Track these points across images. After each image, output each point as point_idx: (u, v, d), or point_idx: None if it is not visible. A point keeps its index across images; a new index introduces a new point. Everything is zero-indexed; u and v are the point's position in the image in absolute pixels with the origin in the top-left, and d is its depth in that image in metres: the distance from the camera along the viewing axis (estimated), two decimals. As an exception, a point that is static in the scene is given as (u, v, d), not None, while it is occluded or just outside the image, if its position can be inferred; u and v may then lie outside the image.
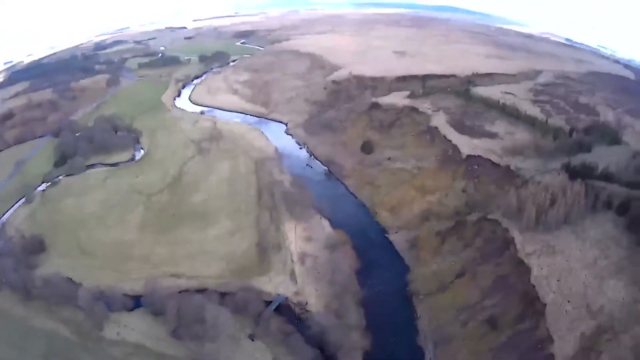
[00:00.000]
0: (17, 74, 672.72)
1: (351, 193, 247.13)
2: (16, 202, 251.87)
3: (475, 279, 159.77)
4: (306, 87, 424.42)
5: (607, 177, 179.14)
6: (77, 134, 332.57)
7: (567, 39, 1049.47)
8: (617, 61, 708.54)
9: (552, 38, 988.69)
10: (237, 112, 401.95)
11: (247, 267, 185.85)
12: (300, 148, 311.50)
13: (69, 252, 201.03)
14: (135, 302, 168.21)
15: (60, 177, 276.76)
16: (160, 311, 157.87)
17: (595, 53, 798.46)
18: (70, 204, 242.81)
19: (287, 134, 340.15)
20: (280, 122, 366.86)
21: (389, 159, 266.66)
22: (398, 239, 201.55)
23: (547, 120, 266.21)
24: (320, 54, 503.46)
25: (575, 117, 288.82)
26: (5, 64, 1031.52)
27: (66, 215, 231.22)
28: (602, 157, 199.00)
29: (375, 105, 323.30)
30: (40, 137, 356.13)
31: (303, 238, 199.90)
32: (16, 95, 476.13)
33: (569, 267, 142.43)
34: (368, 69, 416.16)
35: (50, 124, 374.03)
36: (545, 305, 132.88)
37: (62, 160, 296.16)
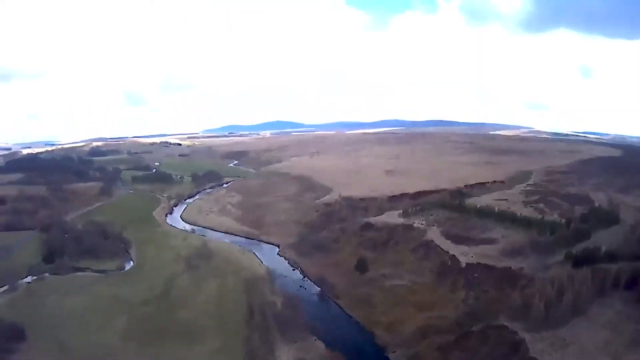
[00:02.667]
0: (14, 164, 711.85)
1: (346, 313, 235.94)
2: None
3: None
4: (297, 209, 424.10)
5: (611, 257, 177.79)
6: (66, 234, 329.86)
7: (553, 133, 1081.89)
8: (604, 143, 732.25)
9: (540, 135, 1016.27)
10: (228, 233, 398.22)
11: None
12: (293, 269, 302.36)
13: (48, 347, 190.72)
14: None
15: (47, 274, 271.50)
16: None
17: (582, 141, 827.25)
18: (54, 301, 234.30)
19: (279, 255, 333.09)
20: (272, 243, 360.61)
21: (384, 276, 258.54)
22: (397, 357, 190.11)
23: (542, 218, 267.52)
24: (310, 176, 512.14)
25: (569, 209, 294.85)
26: (3, 149, 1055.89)
27: (49, 312, 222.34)
28: (603, 239, 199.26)
29: (368, 225, 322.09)
30: (28, 229, 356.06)
31: (296, 359, 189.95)
32: (10, 183, 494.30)
33: (584, 353, 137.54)
34: (358, 190, 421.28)
35: (41, 219, 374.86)
36: None
37: (49, 256, 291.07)
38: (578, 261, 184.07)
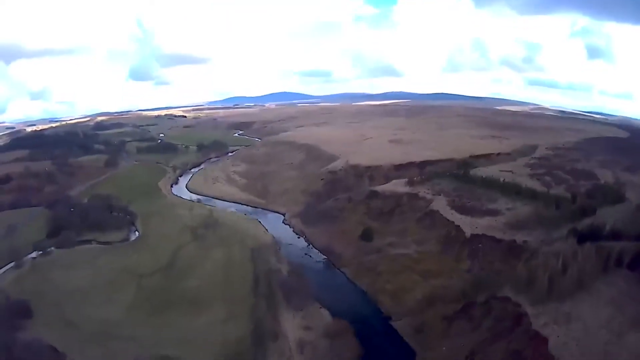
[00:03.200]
0: (18, 141, 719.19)
1: (351, 281, 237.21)
2: (4, 266, 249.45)
3: (488, 358, 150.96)
4: (303, 177, 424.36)
5: (615, 235, 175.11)
6: (71, 209, 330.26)
7: (560, 111, 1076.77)
8: (610, 124, 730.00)
9: (546, 112, 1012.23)
10: (234, 202, 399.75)
11: (241, 355, 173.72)
12: (298, 238, 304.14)
13: (54, 323, 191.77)
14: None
15: (52, 249, 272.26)
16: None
17: (588, 120, 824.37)
18: (60, 275, 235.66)
19: (285, 223, 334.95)
20: (278, 212, 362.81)
21: (390, 245, 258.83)
22: (402, 326, 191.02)
23: (548, 191, 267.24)
24: (316, 144, 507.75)
25: (575, 184, 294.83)
26: (7, 128, 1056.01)
27: (54, 287, 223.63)
28: (608, 217, 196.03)
29: (374, 194, 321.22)
30: (34, 206, 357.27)
31: (302, 327, 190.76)
32: (15, 160, 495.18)
33: (586, 329, 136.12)
34: (364, 158, 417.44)
35: (46, 195, 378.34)
36: None
37: (54, 231, 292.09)
38: (582, 237, 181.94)
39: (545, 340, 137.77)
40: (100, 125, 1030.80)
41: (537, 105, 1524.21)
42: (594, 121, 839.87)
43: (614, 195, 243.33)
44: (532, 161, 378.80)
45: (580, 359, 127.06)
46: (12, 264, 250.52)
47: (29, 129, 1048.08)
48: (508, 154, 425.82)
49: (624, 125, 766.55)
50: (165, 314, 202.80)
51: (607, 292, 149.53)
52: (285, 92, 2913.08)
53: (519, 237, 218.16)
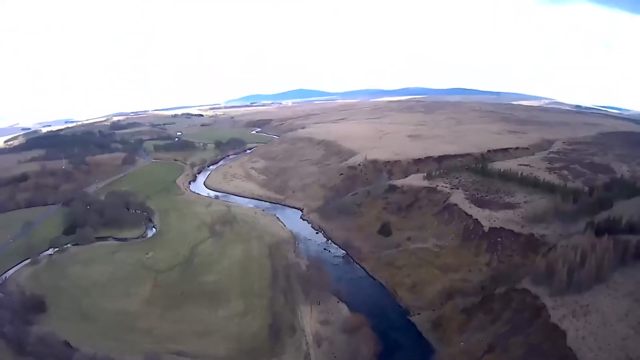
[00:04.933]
0: (35, 141, 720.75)
1: (370, 275, 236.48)
2: (21, 262, 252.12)
3: (507, 352, 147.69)
4: (321, 173, 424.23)
5: (632, 228, 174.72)
6: (88, 206, 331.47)
7: (575, 106, 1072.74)
8: (625, 118, 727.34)
9: (561, 107, 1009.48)
10: (252, 198, 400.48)
11: (258, 349, 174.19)
12: (317, 233, 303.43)
13: (69, 317, 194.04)
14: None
15: (69, 245, 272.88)
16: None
17: (604, 115, 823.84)
18: (76, 271, 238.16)
19: (303, 219, 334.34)
20: (296, 208, 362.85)
21: (409, 239, 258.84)
22: (420, 320, 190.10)
23: (565, 185, 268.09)
24: (335, 140, 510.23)
25: (592, 178, 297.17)
26: (23, 129, 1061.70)
27: (71, 282, 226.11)
28: (624, 210, 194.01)
29: (392, 188, 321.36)
30: (51, 204, 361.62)
31: (319, 321, 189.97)
32: (32, 160, 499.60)
33: (605, 323, 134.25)
34: (383, 154, 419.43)
35: (63, 193, 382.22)
36: None
37: (71, 228, 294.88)
38: (600, 230, 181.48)
39: (563, 334, 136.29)
40: (116, 125, 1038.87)
41: (552, 99, 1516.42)
42: (610, 116, 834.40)
43: (631, 189, 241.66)
44: (549, 155, 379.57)
45: (599, 353, 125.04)
46: (28, 261, 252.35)
47: (44, 130, 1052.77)
48: (526, 148, 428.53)
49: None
50: (182, 308, 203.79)
51: (625, 284, 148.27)
52: (302, 89, 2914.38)
53: (537, 231, 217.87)
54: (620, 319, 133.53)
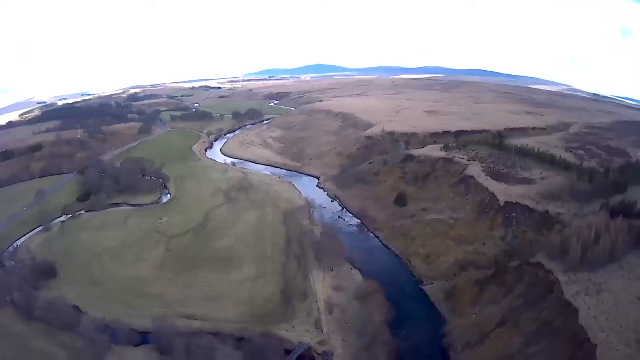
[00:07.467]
0: (50, 113, 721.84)
1: (384, 245, 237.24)
2: (33, 229, 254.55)
3: (518, 327, 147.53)
4: (338, 142, 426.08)
5: None
6: (103, 173, 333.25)
7: (593, 94, 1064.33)
8: None
9: (579, 94, 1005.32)
10: (268, 165, 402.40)
11: (269, 314, 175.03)
12: (332, 201, 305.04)
13: (79, 282, 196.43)
14: (142, 338, 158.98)
15: (82, 211, 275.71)
16: (167, 350, 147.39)
17: (621, 104, 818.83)
18: (88, 237, 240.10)
19: (319, 187, 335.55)
20: (312, 175, 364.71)
21: (424, 210, 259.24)
22: (433, 290, 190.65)
23: (581, 163, 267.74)
24: (353, 113, 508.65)
25: (608, 159, 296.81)
26: (38, 103, 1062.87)
27: (82, 247, 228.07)
28: (638, 195, 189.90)
29: (409, 157, 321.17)
30: (66, 173, 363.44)
31: (332, 287, 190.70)
32: (47, 131, 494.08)
33: (617, 303, 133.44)
34: (400, 126, 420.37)
35: (78, 161, 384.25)
36: (595, 346, 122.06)
37: (85, 196, 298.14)
38: (614, 212, 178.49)
39: (575, 312, 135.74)
40: (133, 97, 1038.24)
41: (570, 86, 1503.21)
42: (627, 106, 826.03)
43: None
44: (566, 136, 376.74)
45: (610, 334, 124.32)
46: (40, 228, 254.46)
47: (60, 103, 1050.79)
48: (543, 128, 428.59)
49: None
50: (194, 272, 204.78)
51: (639, 267, 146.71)
52: (321, 64, 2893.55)
53: (552, 209, 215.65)
54: (633, 301, 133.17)
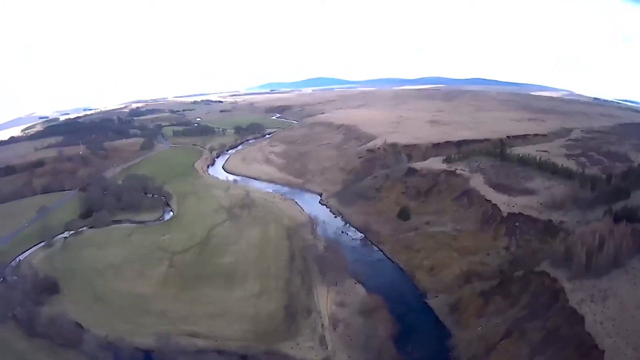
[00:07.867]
0: (52, 128, 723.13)
1: (388, 258, 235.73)
2: (35, 245, 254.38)
3: (524, 337, 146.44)
4: (340, 156, 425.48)
5: None
6: (105, 191, 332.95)
7: (594, 98, 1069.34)
8: None
9: (580, 99, 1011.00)
10: (271, 182, 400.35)
11: (273, 331, 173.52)
12: (335, 217, 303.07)
13: (82, 299, 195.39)
14: (146, 357, 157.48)
15: (84, 228, 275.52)
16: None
17: (622, 107, 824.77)
18: (91, 253, 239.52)
19: (322, 204, 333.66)
20: (315, 192, 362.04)
21: (427, 223, 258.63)
22: (438, 303, 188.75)
23: (583, 171, 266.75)
24: (355, 125, 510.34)
25: (609, 165, 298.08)
26: (40, 118, 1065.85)
27: (85, 264, 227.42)
28: None
29: (412, 171, 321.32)
30: (68, 190, 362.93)
31: (336, 303, 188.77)
32: (49, 146, 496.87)
33: (623, 309, 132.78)
34: (402, 138, 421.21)
35: (80, 178, 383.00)
36: (603, 352, 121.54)
37: (87, 212, 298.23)
38: (618, 218, 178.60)
39: (581, 319, 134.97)
40: (135, 112, 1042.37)
41: (570, 91, 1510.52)
42: (628, 108, 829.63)
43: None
44: (567, 142, 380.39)
45: (617, 339, 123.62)
46: (42, 244, 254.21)
47: (62, 118, 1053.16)
48: (544, 135, 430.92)
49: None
50: (197, 289, 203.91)
51: None
52: (322, 78, 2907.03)
53: (556, 217, 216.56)
54: (639, 305, 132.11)
